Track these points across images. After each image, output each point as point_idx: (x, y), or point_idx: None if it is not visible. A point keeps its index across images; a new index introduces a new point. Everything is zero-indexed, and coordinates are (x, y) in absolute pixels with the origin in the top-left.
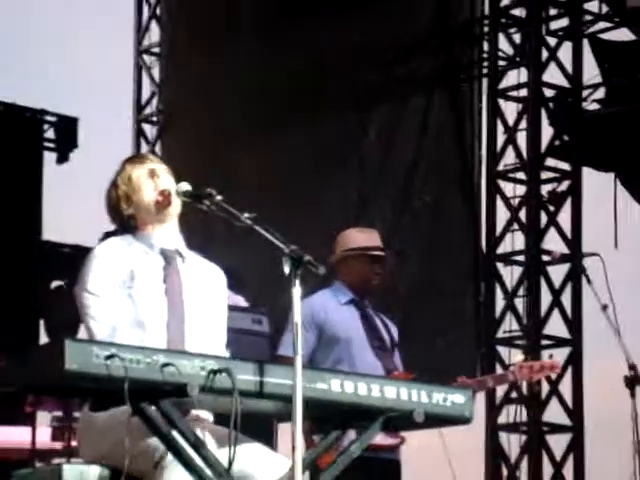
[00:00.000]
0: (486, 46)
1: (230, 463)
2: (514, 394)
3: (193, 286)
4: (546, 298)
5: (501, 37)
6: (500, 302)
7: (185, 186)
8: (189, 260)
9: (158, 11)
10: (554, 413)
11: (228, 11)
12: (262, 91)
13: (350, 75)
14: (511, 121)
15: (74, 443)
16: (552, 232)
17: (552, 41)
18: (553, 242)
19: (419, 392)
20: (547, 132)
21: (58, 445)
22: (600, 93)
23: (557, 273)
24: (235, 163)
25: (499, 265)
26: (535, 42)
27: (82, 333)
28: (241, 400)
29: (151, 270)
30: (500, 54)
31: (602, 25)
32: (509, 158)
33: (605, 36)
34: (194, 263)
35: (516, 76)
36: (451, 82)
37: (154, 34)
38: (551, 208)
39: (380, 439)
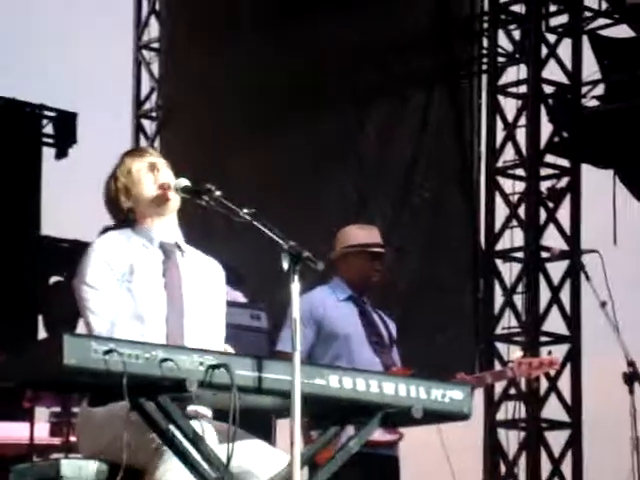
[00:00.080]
0: (485, 43)
1: (229, 458)
2: (513, 390)
3: (192, 280)
4: (545, 295)
5: (501, 34)
6: (499, 298)
7: (184, 181)
8: (188, 254)
9: (157, 6)
10: (553, 409)
11: (228, 6)
12: (261, 88)
13: (350, 73)
14: (510, 118)
15: (72, 438)
16: (551, 229)
17: (552, 38)
18: (552, 239)
19: (417, 388)
20: (546, 129)
21: (56, 440)
22: (599, 90)
23: (556, 270)
24: (234, 159)
25: (498, 262)
26: (535, 39)
27: (81, 328)
28: (239, 396)
29: (150, 264)
30: (499, 51)
31: (602, 22)
32: (508, 155)
33: (605, 33)
34: (193, 257)
35: (515, 73)
36: (451, 79)
37: (153, 29)
38: (550, 205)
39: (378, 435)
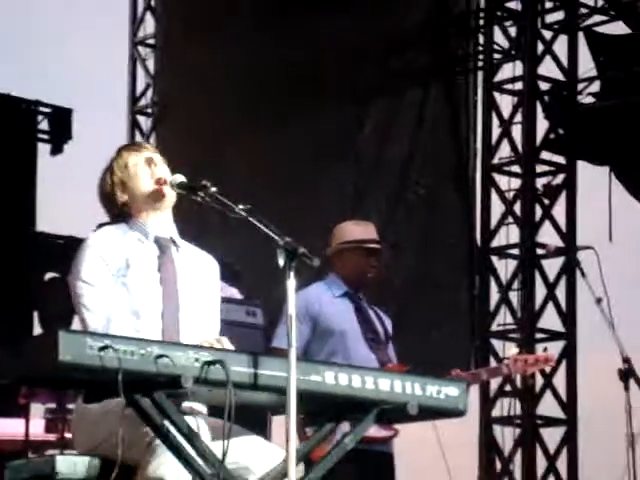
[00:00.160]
0: (482, 39)
1: (224, 454)
2: (508, 387)
3: (187, 275)
4: (540, 291)
5: (497, 30)
6: (494, 295)
7: (180, 177)
8: (183, 249)
9: (153, 2)
10: (548, 406)
11: (224, 3)
12: (257, 83)
13: (348, 69)
14: (506, 114)
15: (68, 435)
16: (547, 225)
17: (547, 34)
18: (548, 235)
19: (413, 384)
20: (542, 125)
21: (52, 437)
22: (595, 86)
23: (551, 266)
24: (230, 155)
25: (494, 258)
26: (530, 35)
27: (76, 324)
28: (235, 392)
29: (146, 259)
30: (495, 47)
31: (597, 18)
32: (504, 151)
33: (600, 29)
34: (188, 252)
35: (511, 69)
36: (447, 75)
37: (149, 25)
38: (546, 201)
39: (374, 431)
